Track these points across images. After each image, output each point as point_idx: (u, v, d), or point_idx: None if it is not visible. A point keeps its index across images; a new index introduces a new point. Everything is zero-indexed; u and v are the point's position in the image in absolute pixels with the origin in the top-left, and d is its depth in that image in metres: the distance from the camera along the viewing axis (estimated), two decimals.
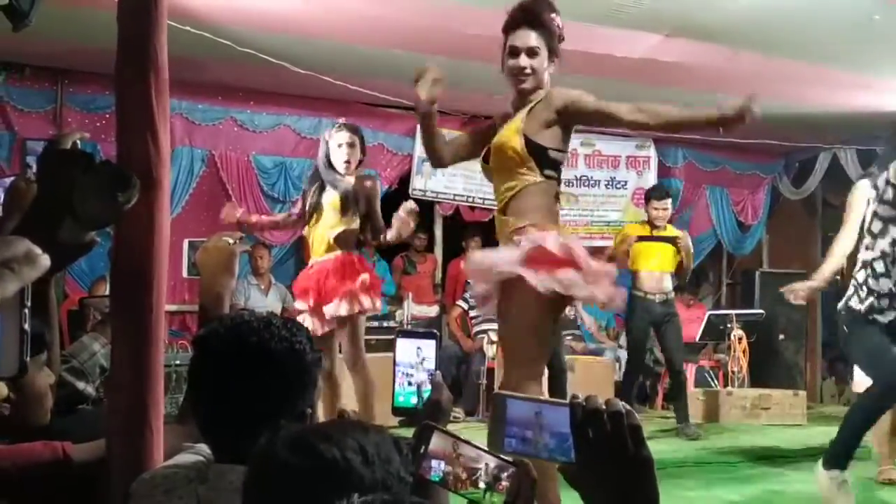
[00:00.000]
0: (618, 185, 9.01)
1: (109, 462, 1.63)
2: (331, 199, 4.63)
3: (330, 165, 4.66)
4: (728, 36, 5.89)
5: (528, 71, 3.19)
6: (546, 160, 3.19)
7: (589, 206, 8.89)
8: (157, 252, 1.65)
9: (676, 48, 6.11)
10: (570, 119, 3.21)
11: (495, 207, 3.42)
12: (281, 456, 1.10)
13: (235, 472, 1.40)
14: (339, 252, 4.62)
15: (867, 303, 3.88)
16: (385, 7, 5.57)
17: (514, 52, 3.20)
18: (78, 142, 1.74)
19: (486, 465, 1.15)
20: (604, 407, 0.98)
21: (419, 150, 8.28)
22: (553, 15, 3.21)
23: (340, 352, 4.77)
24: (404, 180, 8.32)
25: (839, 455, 3.98)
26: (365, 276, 4.57)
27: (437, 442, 1.18)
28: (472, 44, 6.02)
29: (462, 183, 8.32)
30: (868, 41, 5.87)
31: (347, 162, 4.64)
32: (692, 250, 6.66)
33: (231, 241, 1.94)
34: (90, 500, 1.65)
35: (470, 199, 8.34)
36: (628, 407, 0.98)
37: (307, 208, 4.75)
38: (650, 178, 8.98)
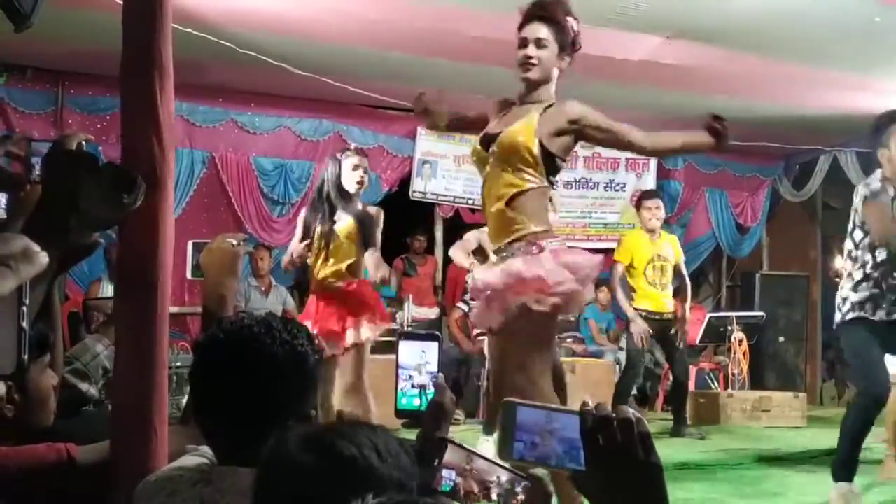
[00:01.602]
0: (616, 188, 9.02)
1: (113, 464, 1.63)
2: (344, 226, 4.55)
3: (340, 188, 4.58)
4: (728, 38, 5.89)
5: (535, 61, 3.18)
6: (553, 167, 3.21)
7: (587, 208, 8.91)
8: (161, 253, 1.64)
9: (677, 51, 6.12)
10: (580, 132, 3.22)
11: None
12: (294, 455, 1.10)
13: (239, 474, 1.40)
14: (348, 280, 4.60)
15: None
16: (385, 10, 5.58)
17: (523, 44, 3.21)
18: (83, 143, 1.74)
19: (499, 478, 1.14)
20: (614, 414, 0.98)
21: (419, 153, 8.29)
22: (568, 17, 3.22)
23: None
24: (404, 182, 8.33)
25: (843, 466, 3.96)
26: (375, 305, 4.62)
27: (449, 454, 1.18)
28: (472, 47, 6.03)
29: (462, 185, 8.34)
30: (868, 43, 5.88)
31: (360, 183, 4.59)
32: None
33: (235, 242, 1.94)
34: (94, 502, 1.65)
35: (470, 201, 8.34)
36: (638, 414, 0.99)
37: (313, 236, 4.61)
38: (649, 181, 9.00)
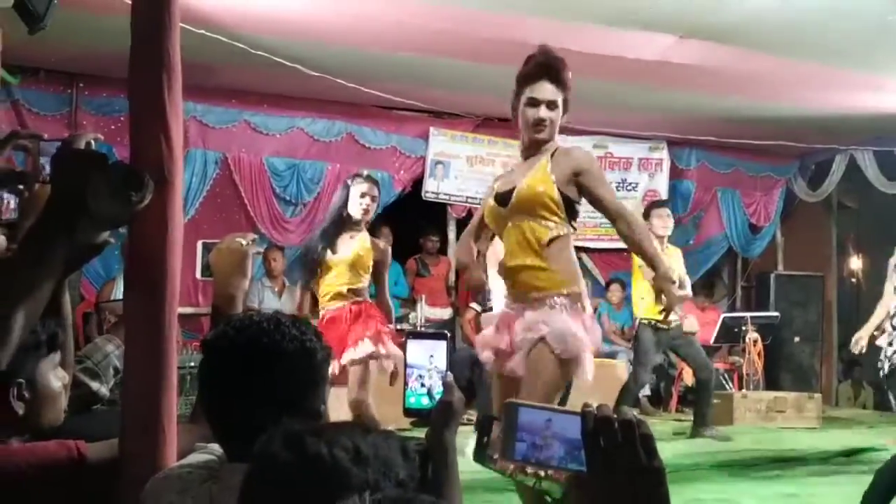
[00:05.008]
0: (629, 188, 8.99)
1: (123, 461, 1.63)
2: (346, 256, 4.57)
3: (346, 214, 4.61)
4: (741, 38, 5.87)
5: (547, 123, 3.24)
6: (572, 212, 3.26)
7: None
8: (170, 252, 1.65)
9: (690, 50, 6.09)
10: (579, 185, 3.26)
11: None
12: (272, 451, 1.10)
13: None
14: (352, 300, 4.61)
15: None
16: (397, 11, 5.59)
17: (534, 104, 3.24)
18: (92, 142, 1.75)
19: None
20: (615, 416, 0.97)
21: (432, 153, 8.30)
22: (568, 72, 3.28)
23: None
24: (417, 183, 8.33)
25: None
26: (380, 325, 4.60)
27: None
28: (484, 47, 6.03)
29: (474, 185, 8.33)
30: (882, 42, 5.84)
31: (366, 211, 4.60)
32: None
33: (244, 242, 1.94)
34: (104, 500, 1.65)
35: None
36: (640, 416, 0.98)
37: (313, 263, 4.65)
38: (662, 181, 8.98)
